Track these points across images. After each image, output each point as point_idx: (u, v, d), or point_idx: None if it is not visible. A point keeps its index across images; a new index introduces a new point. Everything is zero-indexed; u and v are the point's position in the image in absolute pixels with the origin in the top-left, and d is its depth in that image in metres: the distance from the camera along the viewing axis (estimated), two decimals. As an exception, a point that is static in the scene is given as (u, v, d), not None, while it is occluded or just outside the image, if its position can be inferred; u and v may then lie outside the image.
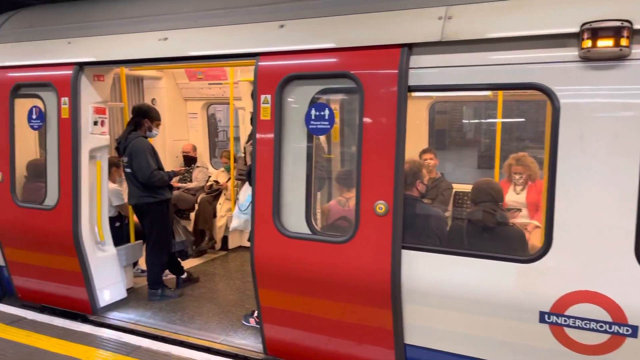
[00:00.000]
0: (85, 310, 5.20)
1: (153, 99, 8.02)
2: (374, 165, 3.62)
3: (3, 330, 4.55)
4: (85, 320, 5.11)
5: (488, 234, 3.77)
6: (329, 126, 3.85)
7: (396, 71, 3.53)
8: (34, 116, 5.27)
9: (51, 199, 5.14)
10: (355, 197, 3.73)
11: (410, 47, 3.57)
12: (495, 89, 4.37)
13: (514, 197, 5.50)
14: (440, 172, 6.17)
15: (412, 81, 3.55)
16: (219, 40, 4.39)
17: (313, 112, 3.88)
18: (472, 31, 3.38)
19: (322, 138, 4.94)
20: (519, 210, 5.29)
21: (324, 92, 3.94)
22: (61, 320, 4.79)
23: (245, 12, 4.35)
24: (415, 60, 3.55)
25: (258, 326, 4.60)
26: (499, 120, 5.75)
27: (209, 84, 7.90)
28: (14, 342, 4.33)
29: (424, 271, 3.54)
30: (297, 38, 3.99)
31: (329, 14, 3.96)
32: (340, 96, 4.35)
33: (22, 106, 5.37)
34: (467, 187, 6.30)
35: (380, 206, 3.60)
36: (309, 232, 3.93)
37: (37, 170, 5.58)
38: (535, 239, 4.31)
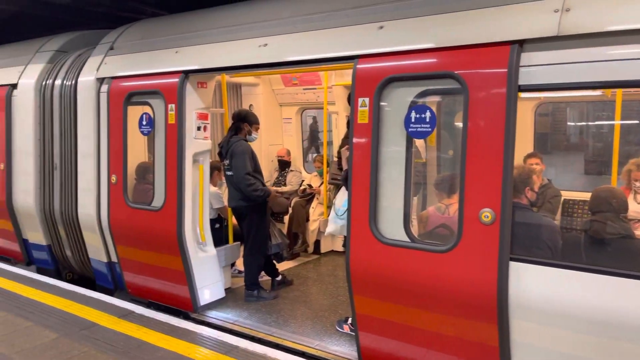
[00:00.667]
0: (187, 307, 5.43)
1: (250, 105, 8.27)
2: (480, 171, 3.41)
3: (115, 322, 4.87)
4: (186, 317, 5.33)
5: (610, 247, 3.40)
6: (430, 129, 3.69)
7: (505, 70, 3.30)
8: (144, 122, 5.61)
9: (158, 200, 5.43)
10: (457, 204, 3.55)
11: (521, 44, 3.32)
12: (620, 87, 3.96)
13: (634, 206, 4.96)
14: (547, 178, 5.74)
15: (523, 80, 3.31)
16: (317, 44, 4.40)
17: (413, 114, 3.74)
18: (594, 24, 3.08)
19: (420, 142, 4.78)
20: (641, 221, 4.76)
21: (424, 93, 3.80)
22: (165, 316, 5.04)
23: (343, 14, 4.31)
24: (527, 57, 3.29)
25: (352, 333, 4.52)
26: (617, 122, 5.23)
27: (304, 89, 8.01)
28: (124, 334, 4.61)
29: (535, 285, 3.26)
30: (397, 39, 3.88)
31: (431, 13, 3.81)
32: (442, 97, 4.17)
33: (133, 113, 5.75)
34: (575, 195, 5.82)
35: (486, 214, 3.38)
36: (407, 239, 3.80)
37: (146, 173, 5.95)
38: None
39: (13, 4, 8.60)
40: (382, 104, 3.88)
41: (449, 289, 3.55)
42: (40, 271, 7.07)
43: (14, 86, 7.08)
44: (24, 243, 7.27)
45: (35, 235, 7.03)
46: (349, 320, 4.72)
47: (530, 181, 3.73)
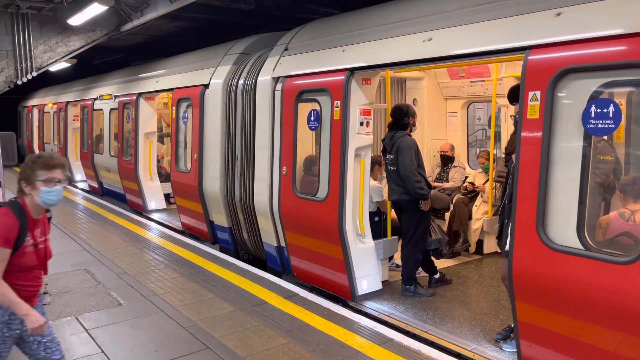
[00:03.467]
0: (345, 295, 5.67)
1: (414, 99, 8.23)
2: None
3: (282, 302, 5.30)
4: (345, 305, 5.57)
5: None
6: (613, 125, 3.29)
7: None
8: (312, 118, 5.97)
9: (322, 191, 5.75)
10: (645, 211, 3.11)
11: None
12: None
13: None
14: None
15: None
16: (485, 36, 4.21)
17: (593, 109, 3.37)
18: None
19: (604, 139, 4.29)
20: None
21: (608, 85, 3.39)
22: (326, 302, 5.33)
23: (514, 3, 4.05)
24: None
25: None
26: None
27: (471, 81, 7.70)
28: (289, 314, 5.00)
29: None
30: (577, 26, 3.53)
31: None
32: (629, 89, 3.68)
33: (303, 109, 6.15)
34: None
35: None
36: (581, 246, 3.45)
37: (312, 165, 6.33)
38: None
39: (209, 13, 9.82)
40: (555, 97, 3.57)
41: (630, 304, 3.14)
42: (222, 250, 8.01)
43: (206, 86, 8.08)
44: (211, 224, 8.30)
45: (220, 217, 7.97)
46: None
47: None
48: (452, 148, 7.99)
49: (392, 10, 5.47)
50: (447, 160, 7.96)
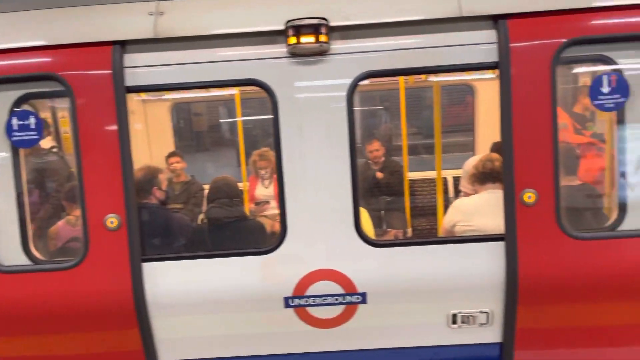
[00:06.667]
0: None
1: None
2: (98, 177, 3.26)
3: None
4: None
5: (228, 230, 3.76)
6: (37, 136, 3.33)
7: (110, 71, 3.23)
8: None
9: None
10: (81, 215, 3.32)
11: (123, 45, 3.30)
12: (216, 87, 4.28)
13: (262, 191, 5.71)
14: (190, 175, 6.02)
15: (131, 81, 3.30)
16: None
17: (15, 121, 3.30)
18: (186, 28, 3.29)
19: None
20: (268, 202, 5.50)
21: (27, 97, 3.40)
22: None
23: None
24: (131, 59, 3.29)
25: None
26: (240, 119, 5.89)
27: None
28: None
29: (168, 281, 3.34)
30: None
31: (35, 7, 3.42)
32: (49, 101, 3.83)
33: None
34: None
35: (112, 220, 3.26)
36: (29, 262, 3.37)
37: None
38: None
39: None
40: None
41: (82, 304, 3.30)
42: None
43: None
44: None
45: None
46: None
47: (156, 181, 3.80)
48: None
49: None
50: None
